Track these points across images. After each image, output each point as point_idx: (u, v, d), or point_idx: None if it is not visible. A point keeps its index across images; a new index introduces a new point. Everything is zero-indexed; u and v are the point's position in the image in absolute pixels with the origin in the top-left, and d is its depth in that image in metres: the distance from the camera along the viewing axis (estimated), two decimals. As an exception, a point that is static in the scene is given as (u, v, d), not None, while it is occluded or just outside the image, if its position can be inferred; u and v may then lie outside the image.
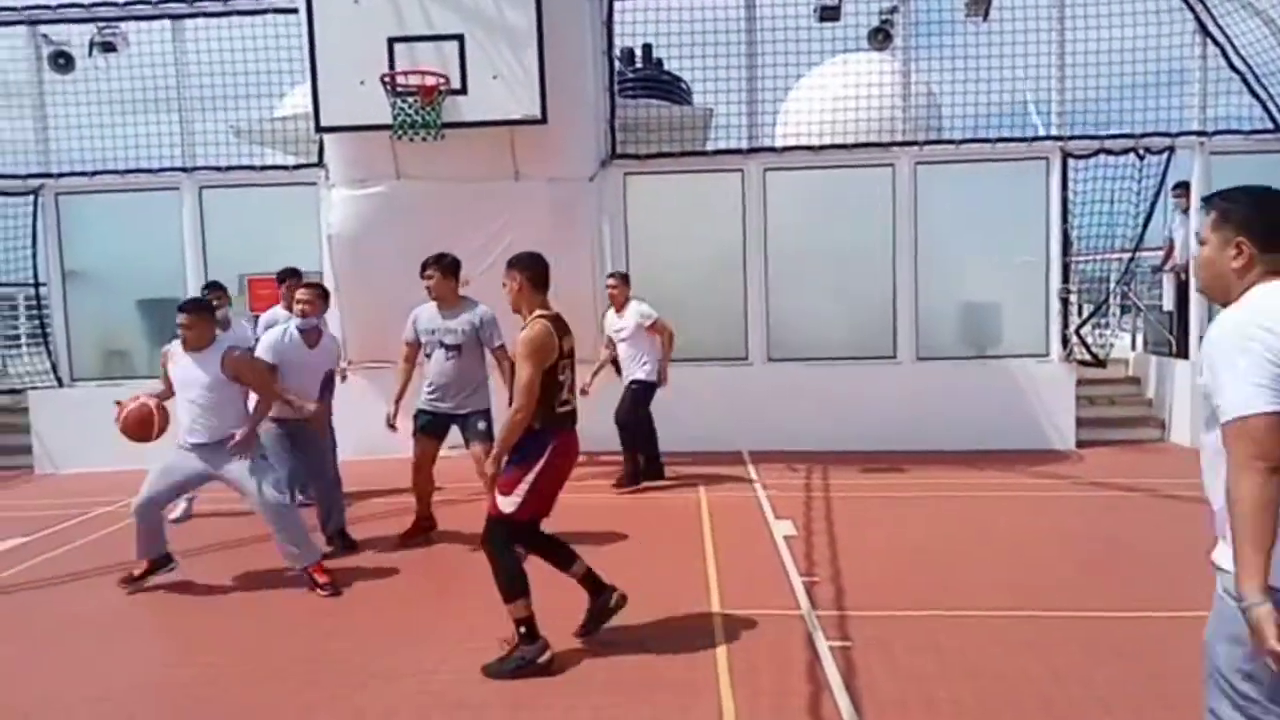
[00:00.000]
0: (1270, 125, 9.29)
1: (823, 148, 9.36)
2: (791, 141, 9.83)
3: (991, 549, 6.03)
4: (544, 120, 7.79)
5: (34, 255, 9.78)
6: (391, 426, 6.15)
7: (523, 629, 4.08)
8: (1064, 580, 5.36)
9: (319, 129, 8.06)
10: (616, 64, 11.14)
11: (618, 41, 9.90)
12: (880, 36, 9.30)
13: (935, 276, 9.46)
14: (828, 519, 6.67)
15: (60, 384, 9.92)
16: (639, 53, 12.66)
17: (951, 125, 9.77)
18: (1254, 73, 9.27)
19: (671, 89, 12.43)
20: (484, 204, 8.64)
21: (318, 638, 4.66)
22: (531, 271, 4.27)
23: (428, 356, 6.22)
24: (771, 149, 9.52)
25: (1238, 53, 9.27)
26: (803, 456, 8.65)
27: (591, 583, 4.42)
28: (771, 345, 9.50)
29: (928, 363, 9.45)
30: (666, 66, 12.32)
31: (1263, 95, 9.26)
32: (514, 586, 4.10)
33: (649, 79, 12.60)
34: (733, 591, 5.14)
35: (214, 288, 7.49)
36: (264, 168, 9.91)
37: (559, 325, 4.20)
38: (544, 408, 4.10)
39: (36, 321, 10.15)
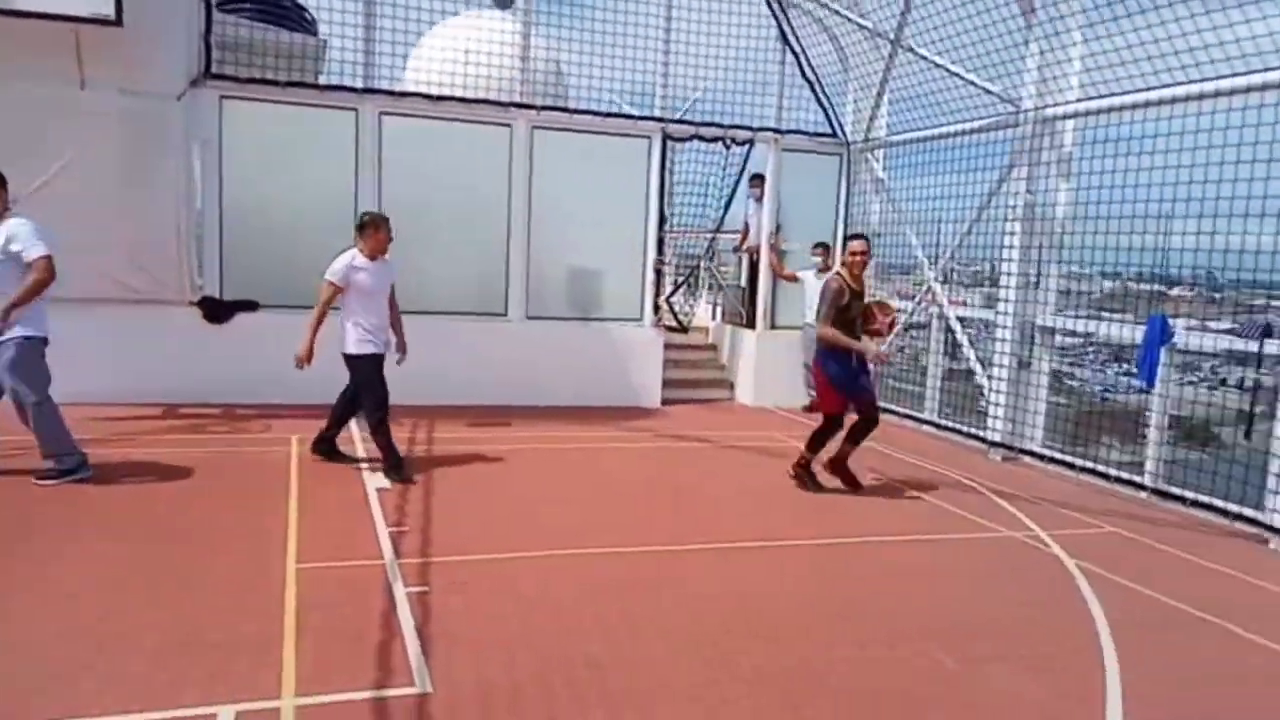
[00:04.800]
0: (829, 130, 10.83)
1: (441, 98, 9.22)
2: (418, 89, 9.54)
3: (582, 494, 6.45)
4: (118, 22, 6.81)
5: None
6: None
7: None
8: (641, 520, 5.88)
9: None
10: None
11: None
12: (505, -5, 9.36)
13: (548, 240, 9.79)
14: (426, 471, 6.68)
15: None
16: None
17: (579, 98, 10.10)
18: (821, 84, 10.73)
19: (289, 16, 11.46)
20: (39, 114, 7.37)
21: None
22: None
23: None
24: (389, 92, 9.17)
25: (810, 64, 10.66)
26: (410, 411, 8.53)
27: None
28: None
29: (537, 322, 9.78)
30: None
31: (825, 104, 10.76)
32: None
33: (268, 1, 11.50)
34: (314, 546, 4.94)
35: None
36: None
37: None
38: None
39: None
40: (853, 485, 6.87)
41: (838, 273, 6.76)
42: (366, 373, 6.40)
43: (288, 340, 8.80)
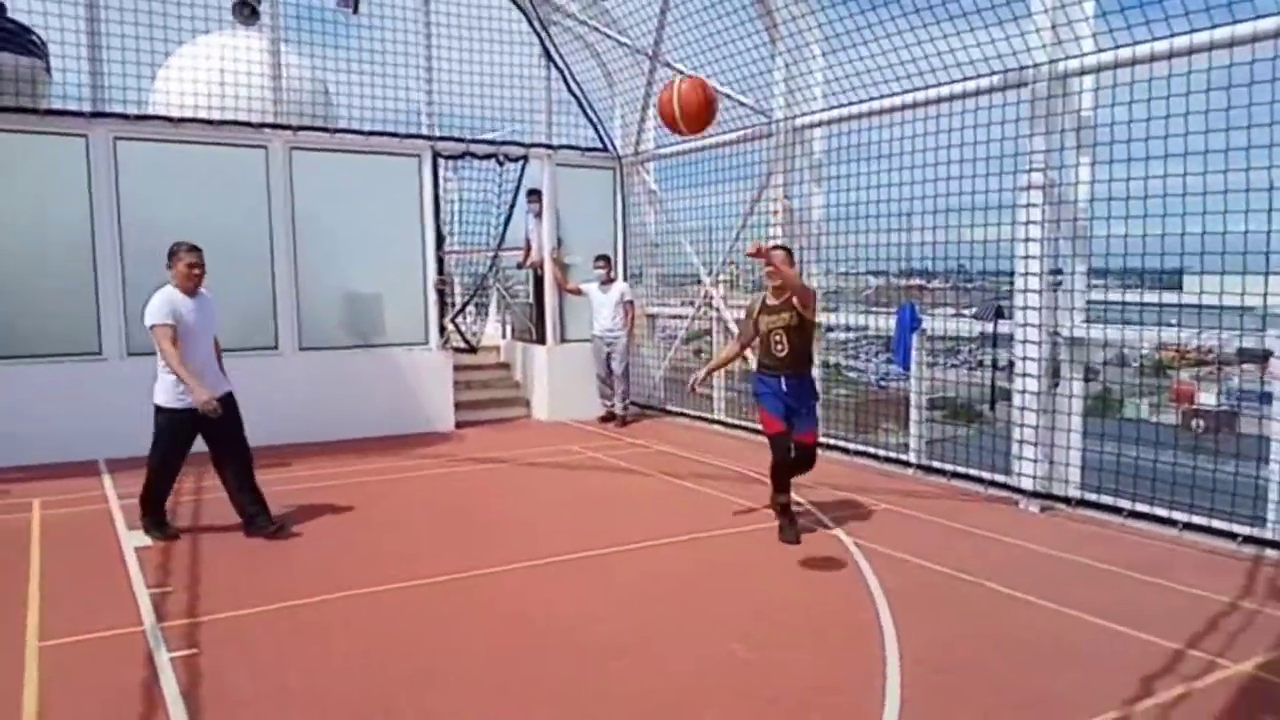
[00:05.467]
0: (600, 145, 11.01)
1: (183, 120, 8.56)
2: (167, 113, 8.80)
3: (369, 529, 6.13)
4: None
5: None
6: None
7: None
8: (430, 549, 5.67)
9: None
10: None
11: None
12: (246, 11, 8.82)
13: (317, 267, 9.30)
14: (194, 522, 6.15)
15: None
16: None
17: (347, 116, 9.66)
18: (588, 99, 10.89)
19: (18, 39, 10.22)
20: None
21: None
22: None
23: None
24: (122, 115, 8.39)
25: (574, 79, 10.80)
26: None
27: None
28: (131, 338, 8.36)
29: (311, 353, 9.27)
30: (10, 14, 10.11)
31: (594, 119, 10.93)
32: None
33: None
34: (61, 618, 4.40)
35: None
36: None
37: None
38: None
39: None
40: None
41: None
42: (161, 426, 5.70)
43: (26, 395, 7.95)
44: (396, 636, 4.25)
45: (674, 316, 11.07)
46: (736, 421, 9.80)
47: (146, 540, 5.69)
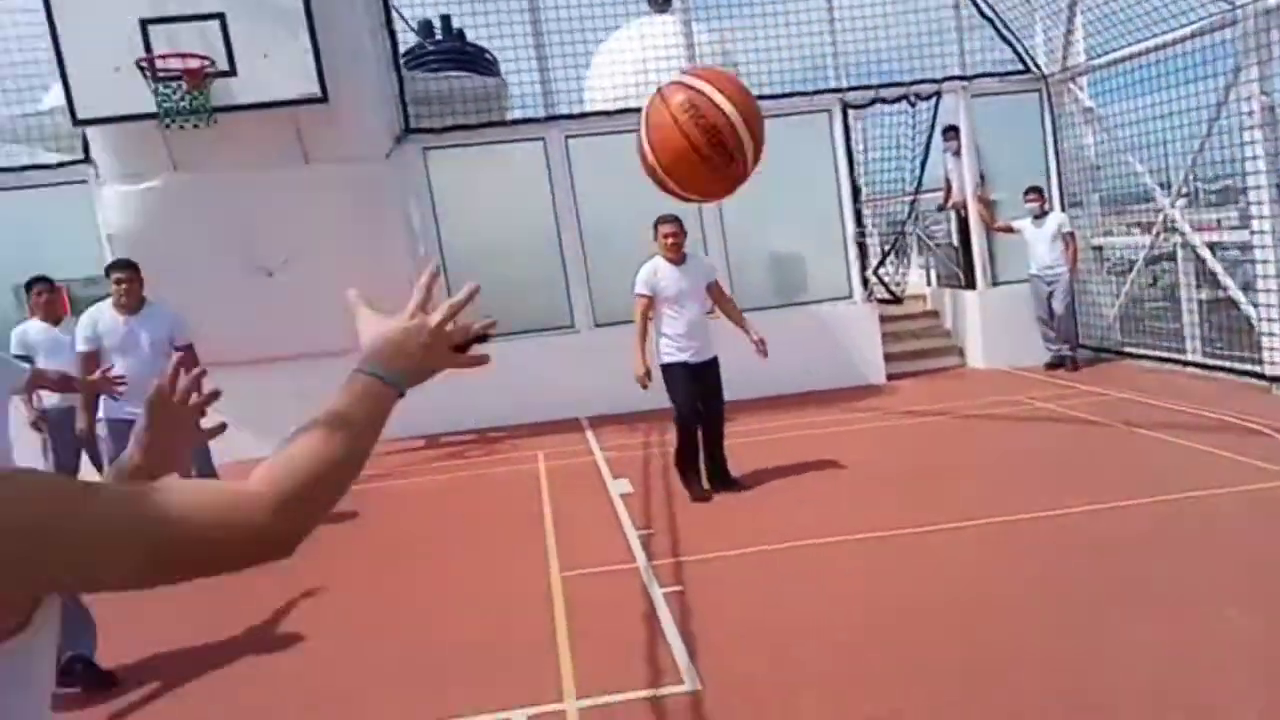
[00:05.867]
0: (1020, 67, 10.10)
1: (617, 112, 9.41)
2: (599, 108, 9.83)
3: (816, 482, 6.35)
4: (325, 99, 7.46)
5: None
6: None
7: None
8: (882, 502, 5.72)
9: (76, 122, 7.42)
10: (414, 37, 10.82)
11: (409, 13, 9.59)
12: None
13: (743, 230, 9.75)
14: (665, 474, 6.79)
15: None
16: (438, 24, 12.26)
17: (756, 83, 9.99)
18: (1001, 19, 10.03)
19: (476, 60, 12.11)
20: (274, 193, 8.20)
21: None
22: None
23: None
24: (569, 116, 9.50)
25: (986, 1, 9.99)
26: (640, 417, 8.68)
27: None
28: (597, 311, 9.52)
29: (746, 313, 9.73)
30: (471, 39, 12.01)
31: (1010, 38, 10.05)
32: None
33: (452, 51, 12.20)
34: (571, 553, 5.17)
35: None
36: (23, 168, 8.98)
37: None
38: None
39: None
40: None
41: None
42: (668, 382, 6.18)
43: (519, 366, 9.35)
44: (853, 585, 4.36)
45: (1125, 245, 9.86)
46: (1213, 361, 8.48)
47: (629, 488, 6.45)
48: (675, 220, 6.13)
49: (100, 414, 5.39)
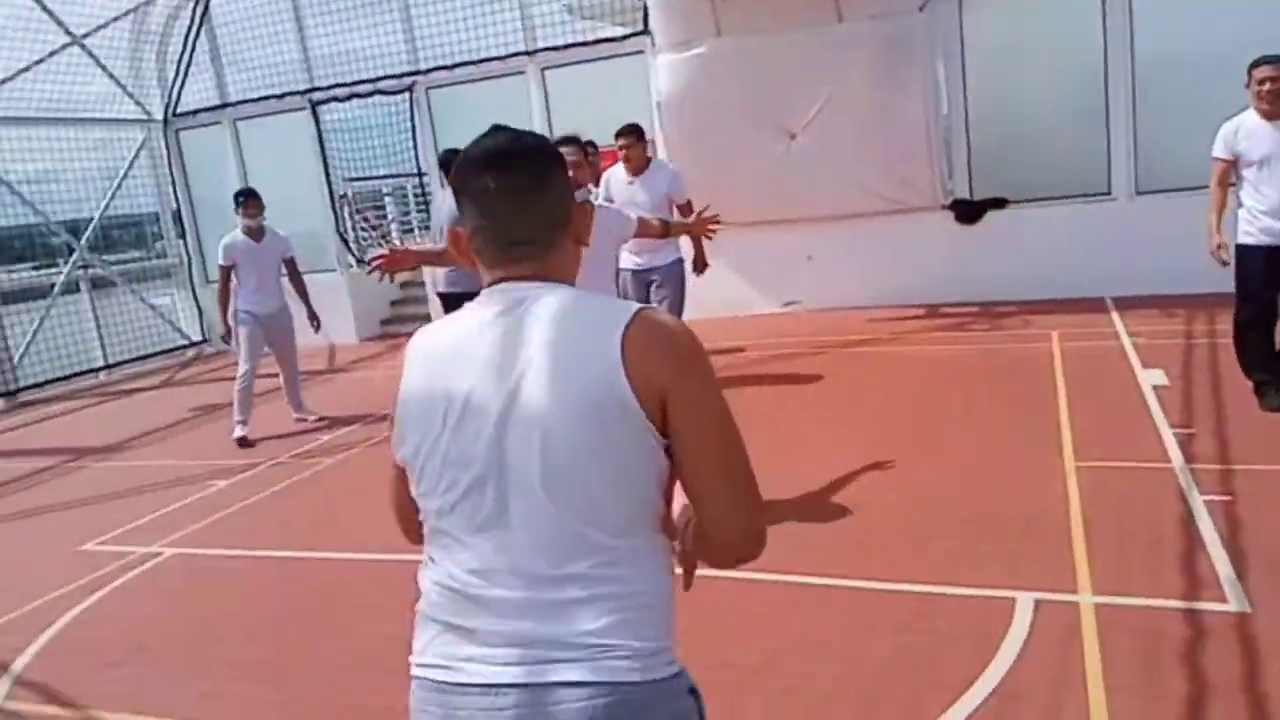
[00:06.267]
0: None
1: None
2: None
3: None
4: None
5: (415, 148, 10.98)
6: None
7: None
8: None
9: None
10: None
11: None
12: None
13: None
14: (1212, 368, 5.87)
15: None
16: None
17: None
18: None
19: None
20: (807, 54, 8.35)
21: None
22: None
23: None
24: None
25: None
26: (1182, 301, 7.57)
27: None
28: (1140, 177, 8.33)
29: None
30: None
31: None
32: None
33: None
34: (1089, 443, 4.79)
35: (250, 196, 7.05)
36: (595, 41, 10.18)
37: None
38: None
39: (424, 211, 11.50)
40: None
41: None
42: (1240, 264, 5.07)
43: (1039, 235, 8.64)
44: None
45: None
46: None
47: (1164, 380, 5.72)
48: None
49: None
